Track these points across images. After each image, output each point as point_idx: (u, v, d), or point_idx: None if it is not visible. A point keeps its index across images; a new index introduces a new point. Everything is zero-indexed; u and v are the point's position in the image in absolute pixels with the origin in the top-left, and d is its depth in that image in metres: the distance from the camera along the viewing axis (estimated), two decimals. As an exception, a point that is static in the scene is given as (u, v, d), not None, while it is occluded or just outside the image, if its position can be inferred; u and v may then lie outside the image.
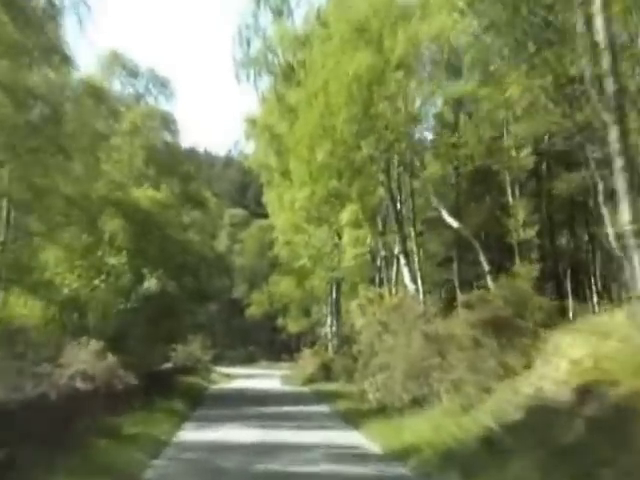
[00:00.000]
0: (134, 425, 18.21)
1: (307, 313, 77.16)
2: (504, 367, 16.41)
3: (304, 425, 20.83)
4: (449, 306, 26.02)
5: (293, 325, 78.45)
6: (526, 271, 21.90)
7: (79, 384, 16.53)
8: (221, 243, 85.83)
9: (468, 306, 18.32)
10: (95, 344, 19.63)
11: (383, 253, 34.86)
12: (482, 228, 26.53)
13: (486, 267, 25.48)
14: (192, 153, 42.31)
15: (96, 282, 26.34)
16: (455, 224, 26.23)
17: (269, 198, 45.34)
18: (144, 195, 30.13)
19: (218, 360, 73.74)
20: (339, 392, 31.50)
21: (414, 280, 29.11)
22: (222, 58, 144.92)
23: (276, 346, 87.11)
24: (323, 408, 26.65)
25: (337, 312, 43.65)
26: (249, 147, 45.97)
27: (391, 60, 24.81)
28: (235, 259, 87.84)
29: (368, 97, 25.10)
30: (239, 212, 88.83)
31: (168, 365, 36.38)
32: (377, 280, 37.37)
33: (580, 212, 34.02)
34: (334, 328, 43.40)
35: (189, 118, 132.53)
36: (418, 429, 16.80)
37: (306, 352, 56.75)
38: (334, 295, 43.49)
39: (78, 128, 24.54)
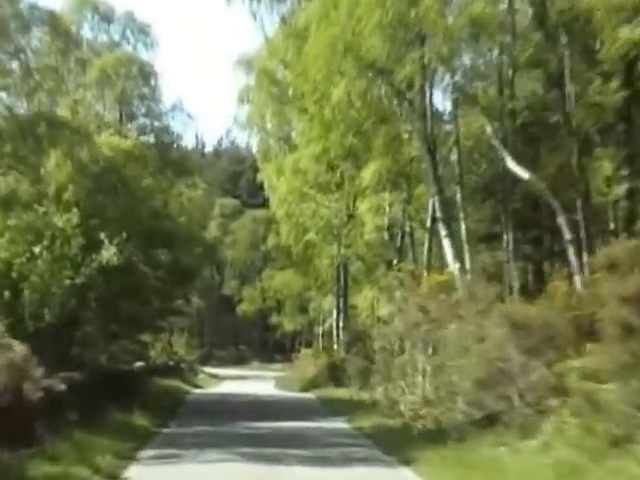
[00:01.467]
0: (52, 459, 10.85)
1: (304, 310, 69.88)
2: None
3: (324, 456, 13.42)
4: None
5: (288, 323, 71.03)
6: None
7: None
8: (211, 234, 78.42)
9: (611, 268, 10.83)
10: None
11: (408, 228, 27.53)
12: (557, 184, 19.26)
13: (567, 235, 18.22)
14: (176, 110, 34.26)
15: (36, 249, 19.01)
16: (525, 174, 18.86)
17: (266, 173, 37.99)
18: (106, 142, 22.67)
19: (206, 360, 66.62)
20: (354, 401, 24.15)
21: (458, 257, 21.83)
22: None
23: (269, 346, 79.74)
24: (341, 424, 19.28)
25: (344, 303, 36.20)
26: (243, 113, 38.39)
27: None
28: (226, 252, 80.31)
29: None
30: (230, 202, 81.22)
31: (140, 364, 28.90)
32: (396, 263, 30.06)
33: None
34: (341, 322, 35.92)
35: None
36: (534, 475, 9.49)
37: (304, 352, 49.36)
38: (342, 283, 36.02)
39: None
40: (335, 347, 36.63)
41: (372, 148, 25.62)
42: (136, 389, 22.16)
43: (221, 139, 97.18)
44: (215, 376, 55.34)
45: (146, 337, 35.89)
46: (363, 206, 26.62)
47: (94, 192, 20.75)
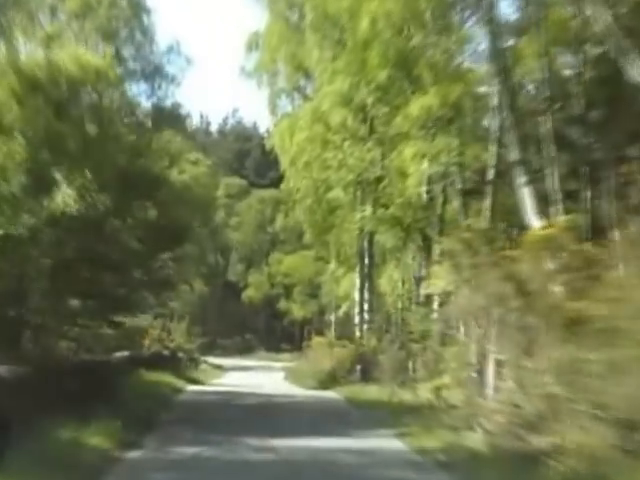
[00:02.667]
0: None
1: (314, 296, 63.91)
2: None
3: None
4: None
5: (298, 310, 65.10)
6: None
7: None
8: (216, 216, 72.42)
9: None
10: None
11: (459, 184, 21.42)
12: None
13: None
14: (172, 53, 27.92)
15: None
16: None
17: (278, 129, 31.89)
18: (68, 56, 16.55)
19: (209, 349, 60.71)
20: (394, 403, 18.25)
21: (543, 213, 15.92)
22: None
23: (276, 334, 73.76)
24: (394, 443, 13.17)
25: (371, 282, 30.06)
26: (250, 64, 32.16)
27: None
28: (231, 235, 74.36)
29: None
30: (236, 181, 75.08)
31: (121, 354, 22.91)
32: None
33: None
34: (366, 305, 29.79)
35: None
36: None
37: (318, 341, 43.33)
38: (367, 258, 29.89)
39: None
40: (357, 334, 30.53)
41: (416, 79, 19.54)
42: (106, 388, 16.08)
43: (227, 118, 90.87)
44: (219, 367, 49.49)
45: (137, 321, 30.11)
46: (402, 155, 20.45)
47: (47, 119, 14.65)
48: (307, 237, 41.61)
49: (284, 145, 30.33)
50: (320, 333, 58.21)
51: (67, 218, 13.85)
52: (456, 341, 20.44)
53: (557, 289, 11.95)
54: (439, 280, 19.00)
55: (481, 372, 17.28)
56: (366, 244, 29.71)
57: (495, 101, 19.54)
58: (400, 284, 35.32)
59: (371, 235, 28.93)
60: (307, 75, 31.56)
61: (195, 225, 23.32)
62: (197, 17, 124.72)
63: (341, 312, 45.11)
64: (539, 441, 10.64)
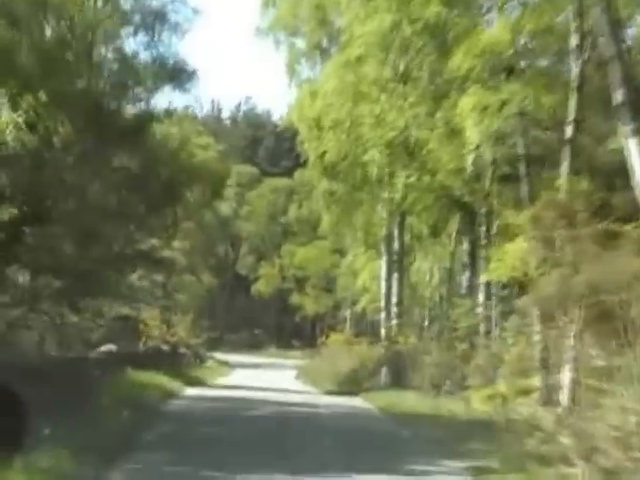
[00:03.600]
0: None
1: (328, 290, 59.64)
2: None
3: None
4: None
5: (311, 305, 60.83)
6: None
7: None
8: (226, 206, 68.25)
9: None
10: None
11: (521, 148, 17.03)
12: None
13: None
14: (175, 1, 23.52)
15: None
16: None
17: (297, 97, 27.77)
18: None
19: (216, 345, 56.64)
20: (446, 416, 14.01)
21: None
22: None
23: (286, 330, 69.57)
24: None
25: (400, 272, 25.69)
26: (266, 22, 27.86)
27: None
28: (241, 225, 70.12)
29: None
30: (248, 169, 70.77)
31: (106, 350, 18.71)
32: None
33: None
34: (394, 297, 25.43)
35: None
36: None
37: (334, 338, 39.07)
38: (396, 246, 25.58)
39: None
40: (383, 331, 26.18)
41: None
42: (73, 396, 11.85)
43: (239, 105, 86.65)
44: (225, 363, 45.35)
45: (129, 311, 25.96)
46: (456, 109, 16.08)
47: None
48: (323, 227, 37.35)
49: (302, 113, 26.05)
50: (333, 329, 54.13)
51: (12, 156, 9.61)
52: (522, 340, 16.21)
53: None
54: (505, 263, 14.76)
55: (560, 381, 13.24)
56: (396, 229, 25.42)
57: (576, 40, 15.31)
58: (430, 274, 31.07)
59: (402, 217, 24.62)
60: (331, 36, 27.39)
61: (190, 191, 18.79)
62: None
63: (360, 307, 40.89)
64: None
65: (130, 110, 13.80)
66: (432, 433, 12.28)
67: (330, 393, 22.71)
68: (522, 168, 16.70)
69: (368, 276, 37.49)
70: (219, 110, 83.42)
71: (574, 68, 15.40)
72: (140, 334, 28.46)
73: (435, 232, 27.02)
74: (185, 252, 57.92)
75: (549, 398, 15.22)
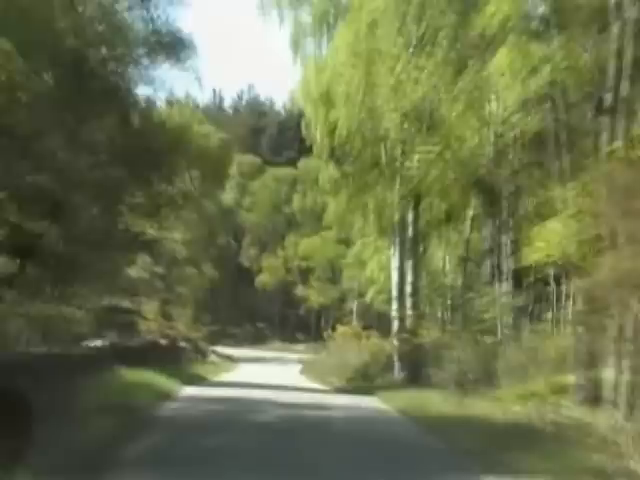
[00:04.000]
0: None
1: (333, 282, 57.75)
2: None
3: None
4: None
5: (316, 296, 58.94)
6: None
7: None
8: (228, 196, 66.39)
9: None
10: None
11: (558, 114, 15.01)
12: None
13: None
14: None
15: None
16: None
17: (302, 73, 25.77)
18: None
19: (219, 338, 54.95)
20: (485, 422, 12.11)
21: None
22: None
23: (290, 323, 67.79)
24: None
25: (415, 260, 23.71)
26: None
27: None
28: (244, 216, 68.19)
29: None
30: (250, 159, 68.84)
31: (95, 345, 16.84)
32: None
33: None
34: (408, 286, 23.47)
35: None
36: None
37: (342, 331, 37.24)
38: (410, 230, 23.59)
39: None
40: (396, 323, 24.20)
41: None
42: (47, 400, 9.93)
43: (241, 93, 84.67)
44: (227, 358, 43.48)
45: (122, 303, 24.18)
46: (484, 72, 14.08)
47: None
48: (328, 217, 35.48)
49: (309, 90, 24.07)
50: (340, 322, 52.36)
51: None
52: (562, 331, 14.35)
53: None
54: (548, 244, 12.81)
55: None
56: (410, 213, 23.43)
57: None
58: (443, 263, 29.09)
59: (417, 200, 22.65)
60: (337, 8, 25.36)
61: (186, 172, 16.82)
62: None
63: (367, 298, 38.95)
64: None
65: (113, 71, 11.86)
66: (467, 442, 10.37)
67: (340, 391, 20.83)
68: (563, 136, 14.70)
69: (377, 266, 35.56)
70: (221, 99, 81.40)
71: (613, 30, 13.44)
72: (136, 327, 26.66)
73: (450, 217, 25.12)
74: (186, 243, 56.31)
75: (592, 396, 13.42)
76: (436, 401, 15.29)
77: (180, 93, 57.83)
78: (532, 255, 13.45)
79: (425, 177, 17.81)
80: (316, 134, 23.98)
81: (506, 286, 18.64)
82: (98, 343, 16.65)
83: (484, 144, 15.92)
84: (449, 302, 24.41)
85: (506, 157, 18.37)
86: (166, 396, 14.85)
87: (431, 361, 18.16)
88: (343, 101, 19.49)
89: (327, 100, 21.49)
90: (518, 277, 18.20)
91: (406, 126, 17.29)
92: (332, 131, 22.03)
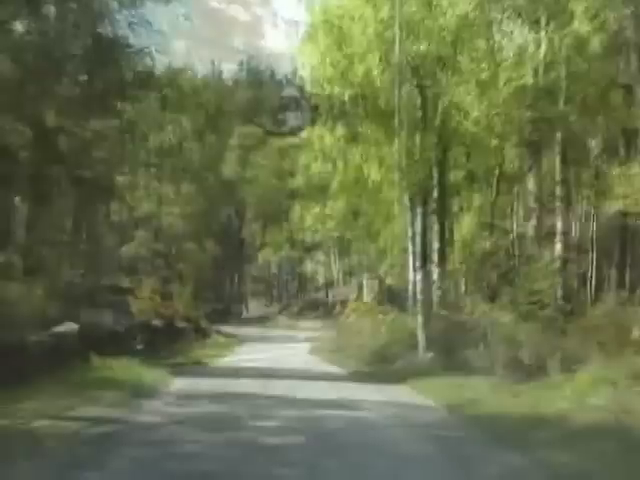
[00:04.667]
0: None
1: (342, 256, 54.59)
2: None
3: None
4: None
5: (323, 271, 55.92)
6: None
7: None
8: (229, 168, 63.19)
9: None
10: None
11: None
12: None
13: None
14: None
15: None
16: None
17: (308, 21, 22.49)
18: None
19: (223, 317, 52.16)
20: (563, 421, 9.01)
21: None
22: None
23: (297, 300, 64.78)
24: None
25: (441, 226, 20.54)
26: None
27: None
28: (246, 189, 64.76)
29: None
30: (252, 130, 65.45)
31: (65, 329, 13.76)
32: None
33: None
34: (435, 254, 20.29)
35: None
36: None
37: (354, 306, 34.24)
38: (435, 194, 20.36)
39: None
40: (418, 297, 21.00)
41: None
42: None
43: (242, 63, 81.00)
44: (230, 337, 40.50)
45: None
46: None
47: None
48: (334, 187, 32.31)
49: (317, 37, 20.89)
50: (347, 298, 49.42)
51: None
52: None
53: None
54: None
55: None
56: (435, 169, 20.25)
57: None
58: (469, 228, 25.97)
59: (444, 153, 19.49)
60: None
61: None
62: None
63: (382, 271, 35.83)
64: None
65: None
66: (563, 456, 7.28)
67: (360, 377, 17.67)
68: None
69: (390, 235, 32.46)
70: (220, 71, 77.83)
71: None
72: (128, 307, 23.59)
73: (474, 178, 22.16)
74: (186, 217, 53.20)
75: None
76: (485, 391, 12.22)
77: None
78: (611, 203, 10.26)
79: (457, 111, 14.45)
80: (324, 86, 20.85)
81: (559, 247, 15.46)
82: (67, 328, 13.52)
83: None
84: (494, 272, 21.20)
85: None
86: (147, 393, 11.65)
87: (469, 341, 15.02)
88: (357, 40, 16.30)
89: (339, 40, 18.35)
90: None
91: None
92: (343, 76, 18.99)
